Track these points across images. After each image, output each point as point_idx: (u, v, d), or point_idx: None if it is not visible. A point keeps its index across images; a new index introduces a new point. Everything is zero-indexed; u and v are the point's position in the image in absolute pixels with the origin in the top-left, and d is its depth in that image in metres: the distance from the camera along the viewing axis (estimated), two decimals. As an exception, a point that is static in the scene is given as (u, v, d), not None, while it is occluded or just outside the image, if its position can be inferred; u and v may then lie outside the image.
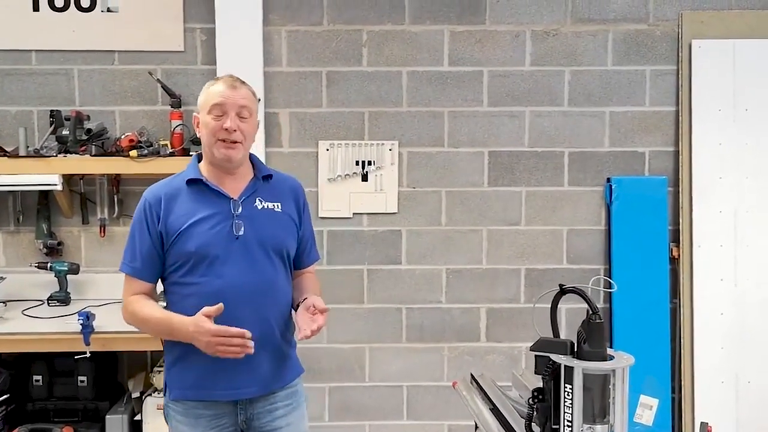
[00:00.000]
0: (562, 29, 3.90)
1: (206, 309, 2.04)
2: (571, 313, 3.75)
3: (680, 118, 3.90)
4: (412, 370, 3.98)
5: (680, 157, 3.90)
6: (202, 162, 2.29)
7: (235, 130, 2.16)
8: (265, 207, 2.26)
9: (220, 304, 2.04)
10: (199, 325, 2.03)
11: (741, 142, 3.85)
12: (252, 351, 2.03)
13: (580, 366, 1.67)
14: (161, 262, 2.21)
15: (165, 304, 2.26)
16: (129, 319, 2.24)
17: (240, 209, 2.21)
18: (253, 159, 2.34)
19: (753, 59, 3.84)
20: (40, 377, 3.62)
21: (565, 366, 1.68)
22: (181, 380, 2.22)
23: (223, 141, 2.18)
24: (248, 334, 2.02)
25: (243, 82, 2.25)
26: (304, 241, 2.39)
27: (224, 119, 2.17)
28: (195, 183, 2.22)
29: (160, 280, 2.27)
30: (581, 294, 1.76)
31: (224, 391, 2.19)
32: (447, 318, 3.97)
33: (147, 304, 2.20)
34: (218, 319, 2.11)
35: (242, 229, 2.19)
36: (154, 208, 2.20)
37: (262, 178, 2.30)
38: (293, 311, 2.30)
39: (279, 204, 2.29)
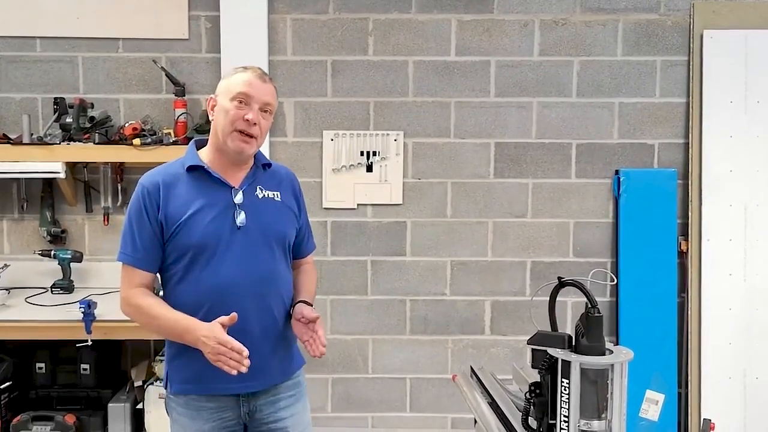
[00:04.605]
0: (571, 19, 3.85)
1: (222, 318, 2.00)
2: (577, 306, 3.71)
3: (690, 109, 3.84)
4: (416, 363, 3.96)
5: (690, 149, 3.84)
6: (205, 148, 2.23)
7: (255, 124, 2.10)
8: (266, 196, 2.21)
9: (234, 315, 2.00)
10: (213, 331, 1.99)
11: (752, 135, 3.79)
12: (245, 370, 1.98)
13: (577, 360, 1.63)
14: (162, 251, 2.14)
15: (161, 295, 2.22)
16: (130, 312, 2.17)
17: (241, 198, 2.16)
18: None
19: (766, 50, 3.77)
20: (43, 365, 3.64)
21: (562, 360, 1.65)
22: (182, 374, 2.17)
23: (241, 132, 2.11)
24: (246, 352, 1.96)
25: (271, 78, 2.20)
26: (302, 231, 2.35)
27: (247, 110, 2.10)
28: (195, 170, 2.15)
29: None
30: (580, 287, 1.72)
31: (227, 384, 2.12)
32: (451, 310, 3.94)
33: (156, 302, 2.13)
34: (223, 311, 2.07)
35: (244, 218, 2.14)
36: (153, 195, 2.11)
37: (262, 166, 2.25)
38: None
39: (278, 193, 2.24)
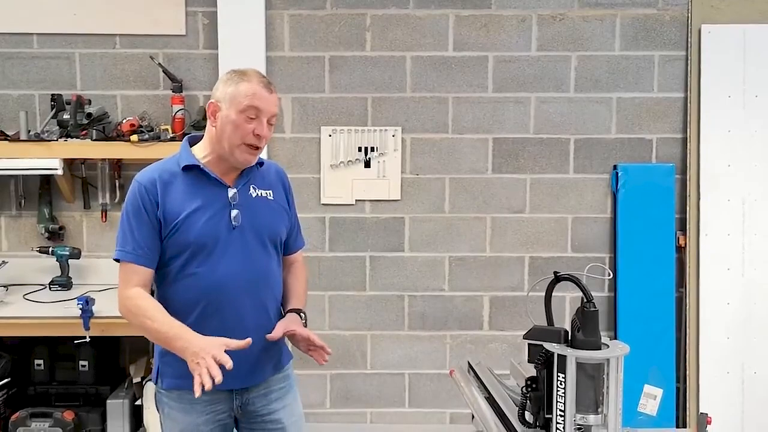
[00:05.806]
0: (568, 14, 3.84)
1: (237, 342, 1.98)
2: (575, 301, 3.70)
3: (689, 104, 3.84)
4: (414, 358, 3.96)
5: (688, 144, 3.84)
6: (199, 146, 2.22)
7: (264, 137, 2.13)
8: (259, 195, 2.23)
9: (249, 340, 2.00)
10: (212, 349, 1.94)
11: (750, 129, 3.79)
12: (209, 387, 1.91)
13: (573, 355, 1.63)
14: (161, 248, 2.13)
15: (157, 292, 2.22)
16: (127, 313, 2.12)
17: (236, 197, 2.17)
18: None
19: (764, 45, 3.76)
20: (41, 361, 3.64)
21: (558, 355, 1.65)
22: (175, 369, 2.15)
23: (249, 146, 2.13)
24: (230, 364, 1.92)
25: (272, 83, 2.19)
26: (291, 227, 2.36)
27: (257, 124, 2.11)
28: (191, 169, 2.15)
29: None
30: (576, 281, 1.72)
31: (222, 380, 2.12)
32: (450, 306, 3.94)
33: (153, 305, 2.09)
34: (220, 309, 2.11)
35: (239, 217, 2.15)
36: (151, 192, 2.11)
37: (256, 165, 2.25)
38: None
39: (270, 192, 2.26)
